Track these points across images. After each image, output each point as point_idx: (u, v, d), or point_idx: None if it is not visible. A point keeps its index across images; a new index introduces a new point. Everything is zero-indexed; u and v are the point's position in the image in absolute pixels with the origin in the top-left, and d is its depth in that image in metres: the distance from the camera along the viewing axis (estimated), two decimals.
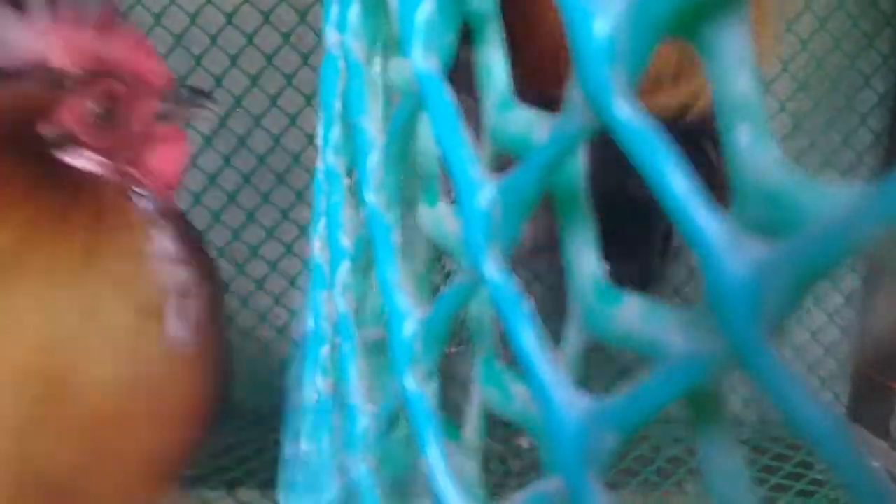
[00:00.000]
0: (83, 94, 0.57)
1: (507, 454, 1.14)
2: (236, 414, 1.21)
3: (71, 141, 0.57)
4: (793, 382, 0.13)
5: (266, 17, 1.13)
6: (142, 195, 0.59)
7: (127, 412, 0.54)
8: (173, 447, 0.58)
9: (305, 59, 1.13)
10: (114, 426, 0.54)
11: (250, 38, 1.13)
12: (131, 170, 0.59)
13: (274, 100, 1.14)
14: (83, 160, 0.58)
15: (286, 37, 1.14)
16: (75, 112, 0.57)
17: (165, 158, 0.62)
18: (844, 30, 1.26)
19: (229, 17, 1.13)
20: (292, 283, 1.18)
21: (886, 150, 1.28)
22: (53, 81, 0.56)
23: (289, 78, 1.13)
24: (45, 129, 0.56)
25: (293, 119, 1.14)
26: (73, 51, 0.56)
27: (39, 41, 0.56)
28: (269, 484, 1.09)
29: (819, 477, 1.13)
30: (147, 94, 0.59)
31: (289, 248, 1.17)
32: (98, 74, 0.57)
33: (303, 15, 1.14)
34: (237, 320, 1.18)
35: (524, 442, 1.15)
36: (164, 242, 0.59)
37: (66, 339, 0.53)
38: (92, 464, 0.54)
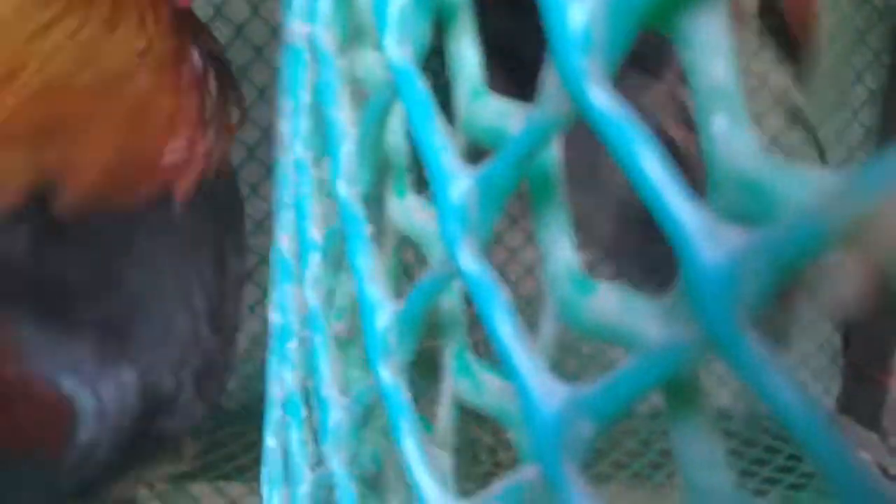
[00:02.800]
0: None
1: (497, 446, 1.13)
2: (223, 409, 1.20)
3: None
4: (771, 370, 0.13)
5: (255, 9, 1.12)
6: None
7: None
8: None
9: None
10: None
11: (239, 30, 1.11)
12: None
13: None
14: None
15: (274, 31, 1.12)
16: None
17: None
18: (837, 26, 1.26)
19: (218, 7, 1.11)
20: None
21: (877, 145, 1.29)
22: None
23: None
24: None
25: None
26: None
27: None
28: (257, 479, 1.08)
29: (810, 469, 1.13)
30: None
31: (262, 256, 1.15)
32: None
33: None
34: None
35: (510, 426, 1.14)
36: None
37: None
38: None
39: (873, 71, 1.29)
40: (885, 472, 1.13)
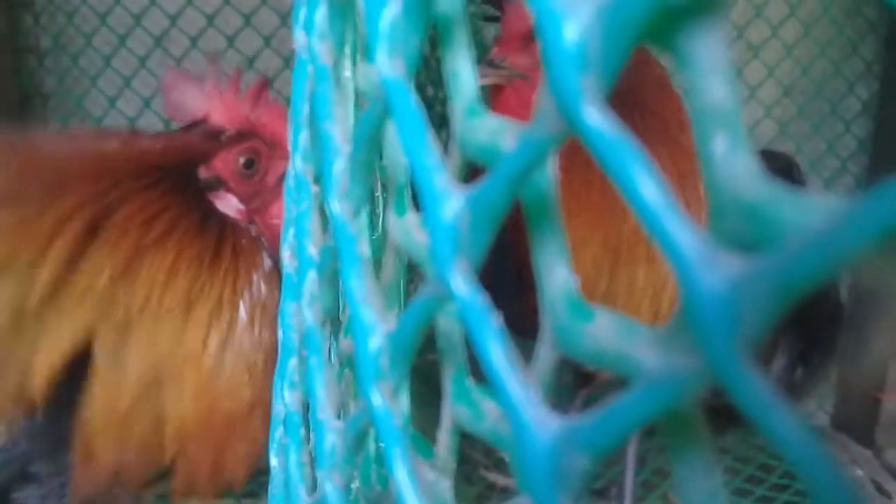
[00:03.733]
0: (234, 148, 0.73)
1: (490, 467, 1.12)
2: None
3: (220, 185, 0.73)
4: (771, 399, 0.12)
5: (247, 19, 1.13)
6: (264, 244, 0.74)
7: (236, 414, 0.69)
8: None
9: (287, 61, 1.13)
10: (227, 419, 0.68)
11: (231, 41, 1.13)
12: (258, 218, 0.74)
13: None
14: (226, 203, 0.73)
15: (267, 39, 1.14)
16: (226, 162, 0.73)
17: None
18: (829, 36, 1.26)
19: (210, 18, 1.12)
20: None
21: (871, 157, 1.28)
22: (213, 135, 0.73)
23: (271, 80, 1.12)
24: (203, 173, 0.73)
25: None
26: (229, 113, 0.74)
27: (206, 103, 0.74)
28: (247, 495, 1.08)
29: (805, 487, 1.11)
30: (281, 156, 0.75)
31: None
32: (246, 134, 0.74)
33: (284, 18, 1.13)
34: None
35: (507, 455, 1.13)
36: (274, 291, 0.74)
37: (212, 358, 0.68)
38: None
39: (866, 82, 1.27)
40: (879, 488, 1.12)
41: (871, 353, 1.09)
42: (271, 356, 0.69)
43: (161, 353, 0.66)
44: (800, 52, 1.26)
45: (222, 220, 0.72)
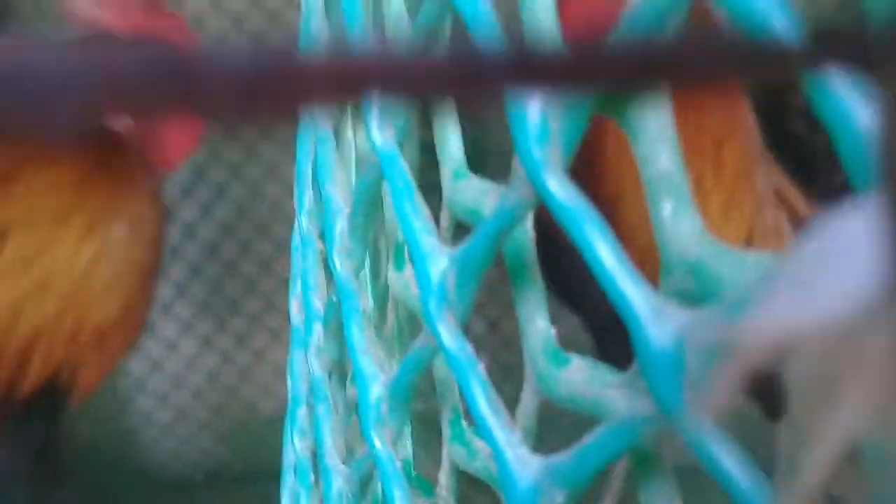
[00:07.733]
0: None
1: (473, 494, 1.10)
2: (222, 476, 1.18)
3: None
4: (715, 441, 0.14)
5: None
6: (151, 167, 0.73)
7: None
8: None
9: None
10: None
11: None
12: (149, 137, 0.73)
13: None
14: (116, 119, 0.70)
15: None
16: None
17: (181, 135, 0.78)
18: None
19: None
20: (274, 337, 1.14)
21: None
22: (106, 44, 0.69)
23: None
24: None
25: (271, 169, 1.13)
26: (125, 22, 0.72)
27: (99, 11, 0.72)
28: None
29: None
30: None
31: (270, 302, 1.14)
32: (142, 43, 0.69)
33: None
34: (220, 378, 1.15)
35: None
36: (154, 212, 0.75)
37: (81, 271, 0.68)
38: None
39: None
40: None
41: None
42: (145, 274, 0.72)
43: (32, 264, 0.67)
44: None
45: (111, 135, 0.72)
